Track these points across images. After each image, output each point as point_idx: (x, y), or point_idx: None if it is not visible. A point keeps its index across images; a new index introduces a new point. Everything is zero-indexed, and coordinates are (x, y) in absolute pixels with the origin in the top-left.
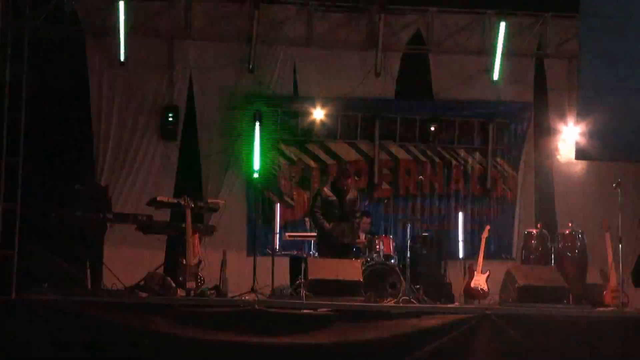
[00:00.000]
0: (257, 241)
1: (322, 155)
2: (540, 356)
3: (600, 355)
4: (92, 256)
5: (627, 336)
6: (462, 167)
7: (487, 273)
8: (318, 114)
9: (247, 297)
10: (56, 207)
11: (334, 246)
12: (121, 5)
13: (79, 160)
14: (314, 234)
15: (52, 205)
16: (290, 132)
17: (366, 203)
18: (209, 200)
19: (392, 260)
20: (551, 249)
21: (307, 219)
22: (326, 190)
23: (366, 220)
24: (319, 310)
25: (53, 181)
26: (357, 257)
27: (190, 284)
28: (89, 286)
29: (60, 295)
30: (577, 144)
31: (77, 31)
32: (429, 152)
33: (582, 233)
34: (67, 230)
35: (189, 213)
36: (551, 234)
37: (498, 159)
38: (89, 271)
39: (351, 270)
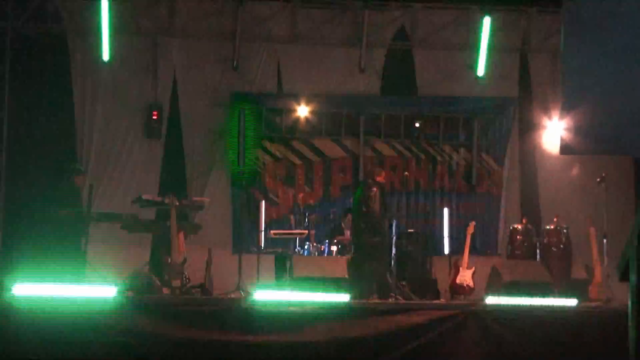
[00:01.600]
0: (242, 239)
1: (307, 153)
2: (526, 351)
3: (586, 350)
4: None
5: (612, 331)
6: (447, 163)
7: (473, 269)
8: (302, 110)
9: (232, 295)
10: (40, 205)
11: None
12: (104, 3)
13: (63, 159)
14: (299, 231)
15: (36, 203)
16: (274, 130)
17: (351, 200)
18: (194, 199)
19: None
20: (536, 244)
21: (291, 217)
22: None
23: (350, 216)
24: (305, 307)
25: (37, 179)
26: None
27: (176, 282)
28: None
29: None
30: (561, 138)
31: (60, 30)
32: (413, 148)
33: (566, 228)
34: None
35: (173, 211)
36: (536, 229)
37: (483, 155)
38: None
39: (337, 267)
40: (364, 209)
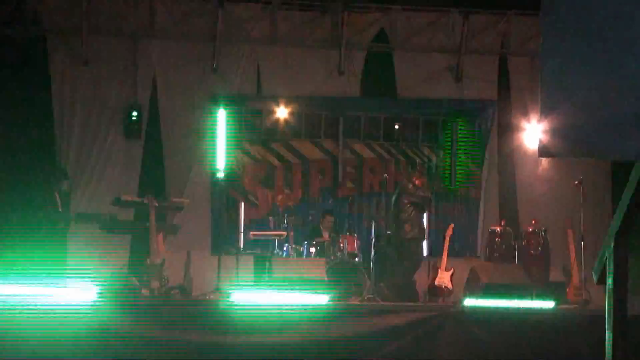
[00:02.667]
0: (222, 240)
1: (286, 154)
2: (504, 353)
3: (563, 352)
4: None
5: (589, 333)
6: (426, 165)
7: (452, 271)
8: (282, 112)
9: (211, 297)
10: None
11: None
12: (84, 4)
13: (42, 161)
14: (278, 232)
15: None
16: (254, 131)
17: (330, 201)
18: (173, 199)
19: (356, 259)
20: (515, 247)
21: (271, 218)
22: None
23: (329, 218)
24: (283, 309)
25: (15, 180)
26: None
27: (155, 283)
28: None
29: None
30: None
31: (39, 31)
32: (393, 151)
33: (544, 230)
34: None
35: (153, 212)
36: (515, 232)
37: (462, 157)
38: None
39: (315, 268)
40: (399, 205)
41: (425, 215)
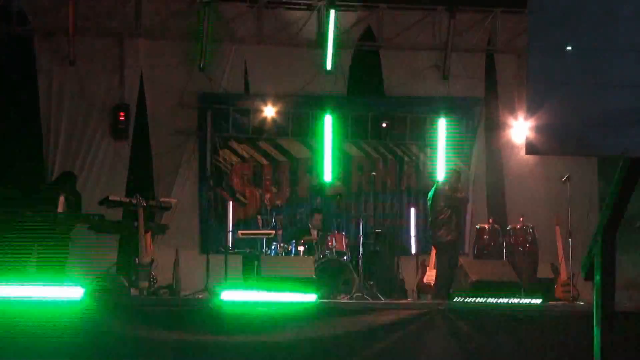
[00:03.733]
0: (210, 239)
1: (274, 153)
2: (492, 350)
3: (551, 349)
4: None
5: (578, 329)
6: (413, 163)
7: None
8: (269, 111)
9: (200, 296)
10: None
11: None
12: (70, 4)
13: (29, 160)
14: (266, 231)
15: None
16: (241, 130)
17: (318, 200)
18: (161, 199)
19: (345, 257)
20: (503, 244)
21: (259, 217)
22: None
23: (317, 216)
24: (273, 308)
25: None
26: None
27: (143, 283)
28: None
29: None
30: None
31: (26, 31)
32: (380, 149)
33: (532, 227)
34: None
35: (141, 212)
36: (503, 229)
37: (450, 155)
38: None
39: (304, 267)
40: (436, 207)
41: (413, 211)
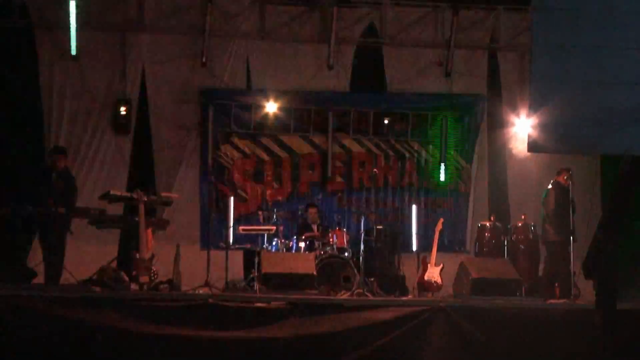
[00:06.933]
0: (211, 235)
1: (276, 149)
2: (493, 348)
3: (552, 347)
4: (49, 251)
5: (578, 328)
6: (415, 160)
7: (441, 266)
8: (271, 107)
9: (200, 291)
10: (3, 201)
11: None
12: None
13: (30, 155)
14: (267, 227)
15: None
16: (243, 126)
17: (319, 196)
18: (162, 194)
19: (346, 254)
20: (504, 242)
21: (260, 213)
22: None
23: (311, 210)
24: (272, 303)
25: (3, 173)
26: None
27: (144, 278)
28: (44, 281)
29: (9, 290)
30: (529, 136)
31: (27, 24)
32: (382, 145)
33: (534, 226)
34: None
35: (142, 207)
36: (504, 227)
37: (452, 152)
38: (44, 266)
39: (304, 263)
40: (546, 208)
41: (414, 208)
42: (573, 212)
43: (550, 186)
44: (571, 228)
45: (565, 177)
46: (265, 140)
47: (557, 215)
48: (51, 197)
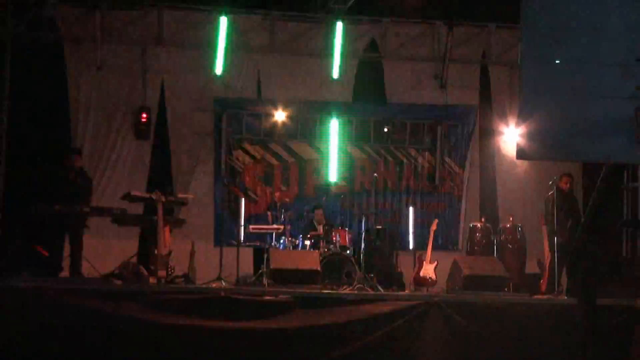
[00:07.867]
0: (224, 233)
1: (284, 154)
2: (482, 339)
3: (537, 339)
4: (71, 246)
5: (561, 321)
6: (412, 165)
7: (436, 263)
8: (280, 115)
9: (213, 285)
10: (35, 202)
11: None
12: (98, 14)
13: (59, 159)
14: (275, 226)
15: (32, 200)
16: (254, 132)
17: (324, 198)
18: (179, 195)
19: (348, 251)
20: (494, 241)
21: (269, 213)
22: None
23: (318, 212)
24: (280, 297)
25: (35, 178)
26: None
27: (162, 273)
28: (68, 274)
29: (38, 283)
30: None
31: (57, 38)
32: (382, 152)
33: (521, 227)
34: (47, 223)
35: (160, 207)
36: (494, 228)
37: (446, 158)
38: (69, 260)
39: (310, 260)
40: (548, 212)
41: (411, 210)
42: (575, 217)
43: (551, 191)
44: (572, 232)
45: (566, 182)
46: (274, 146)
47: (558, 220)
48: (69, 195)
